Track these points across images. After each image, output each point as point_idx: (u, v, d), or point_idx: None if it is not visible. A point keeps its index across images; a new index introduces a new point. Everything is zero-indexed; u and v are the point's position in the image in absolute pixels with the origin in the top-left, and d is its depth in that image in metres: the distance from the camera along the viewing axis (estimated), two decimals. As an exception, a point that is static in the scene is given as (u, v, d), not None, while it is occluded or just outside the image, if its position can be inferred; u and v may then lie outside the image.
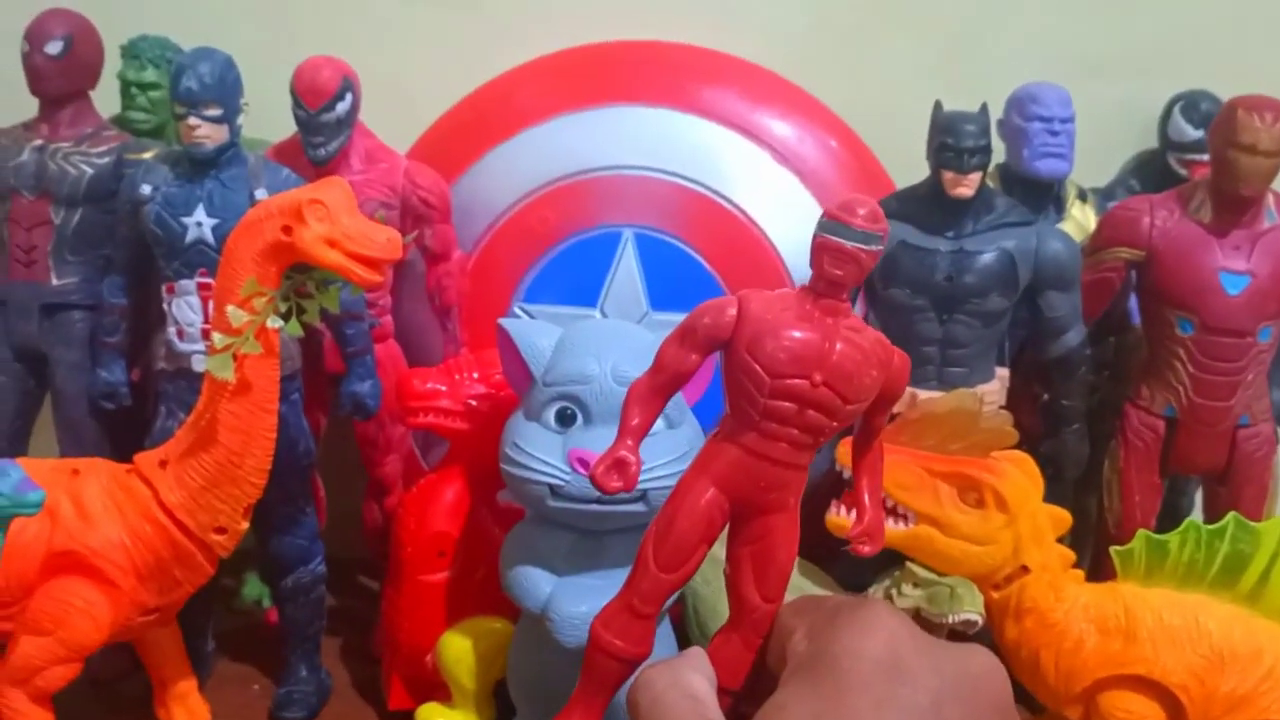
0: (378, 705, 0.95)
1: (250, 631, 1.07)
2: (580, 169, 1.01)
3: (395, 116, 1.03)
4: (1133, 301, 0.92)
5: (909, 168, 0.92)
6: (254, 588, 1.11)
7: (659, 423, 0.79)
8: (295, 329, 0.77)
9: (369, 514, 1.06)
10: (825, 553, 0.88)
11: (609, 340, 0.81)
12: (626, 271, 1.00)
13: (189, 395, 0.87)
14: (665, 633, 0.86)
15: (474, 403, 0.88)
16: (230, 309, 0.74)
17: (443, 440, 0.94)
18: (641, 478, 0.77)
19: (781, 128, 1.04)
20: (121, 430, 0.96)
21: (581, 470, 0.77)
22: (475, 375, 0.89)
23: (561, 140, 1.02)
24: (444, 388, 0.88)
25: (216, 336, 0.74)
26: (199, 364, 0.86)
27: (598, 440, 0.77)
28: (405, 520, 0.90)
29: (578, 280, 1.01)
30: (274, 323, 0.76)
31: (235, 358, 0.75)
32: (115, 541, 0.79)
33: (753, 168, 1.02)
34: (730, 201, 1.00)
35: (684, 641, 0.88)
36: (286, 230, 0.73)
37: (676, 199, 1.00)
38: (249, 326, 0.75)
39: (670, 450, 0.79)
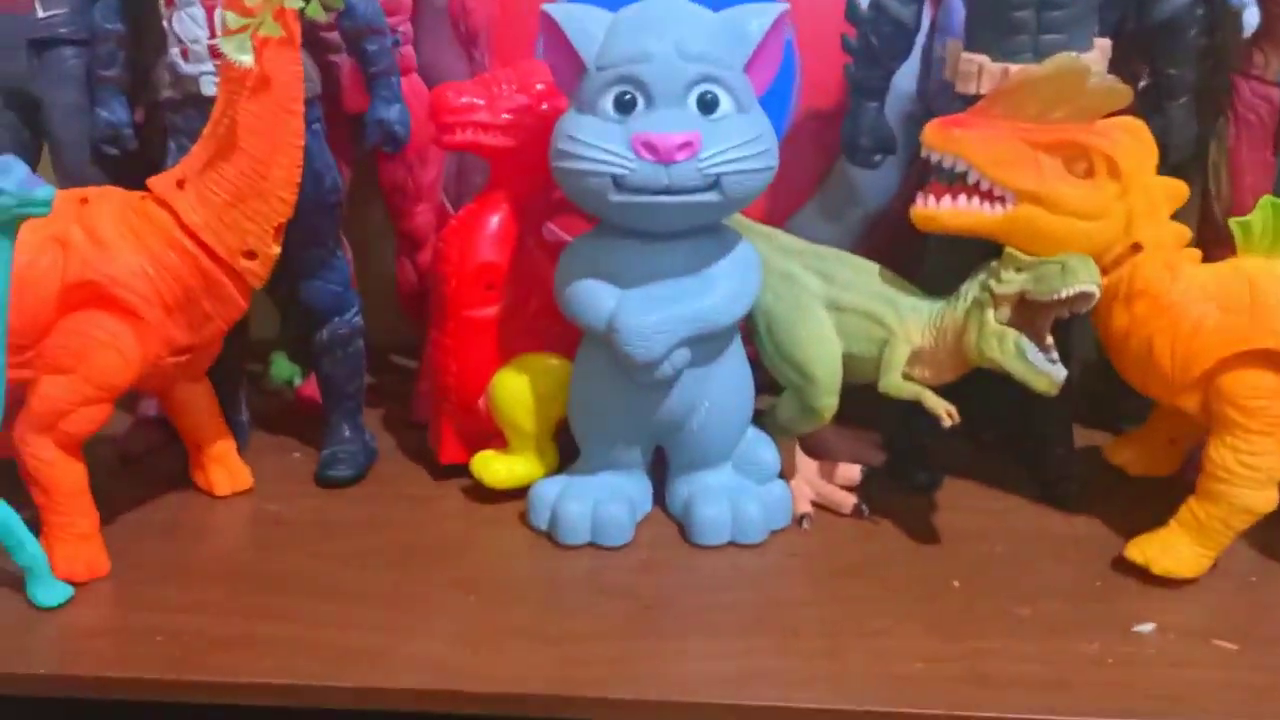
0: (427, 464, 0.89)
1: (283, 408, 1.01)
2: None
3: None
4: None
5: None
6: (283, 368, 1.05)
7: (727, 104, 0.72)
8: (316, 10, 0.68)
9: (402, 272, 0.98)
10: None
11: (670, 16, 0.72)
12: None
13: (200, 124, 0.79)
14: (737, 346, 0.80)
15: (514, 116, 0.80)
16: (244, -15, 0.66)
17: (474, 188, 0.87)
18: (714, 162, 0.71)
19: None
20: (126, 178, 0.87)
21: (648, 155, 0.69)
22: (514, 86, 0.80)
23: None
24: (481, 101, 0.80)
25: (230, 17, 0.66)
26: (209, 86, 0.78)
27: (663, 122, 0.70)
28: (448, 253, 0.83)
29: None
30: (293, 2, 0.67)
31: (254, 42, 0.66)
32: (136, 269, 0.71)
33: None
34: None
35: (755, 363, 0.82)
36: (302, -109, 0.64)
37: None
38: (265, 6, 0.66)
39: (741, 133, 0.71)
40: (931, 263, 0.81)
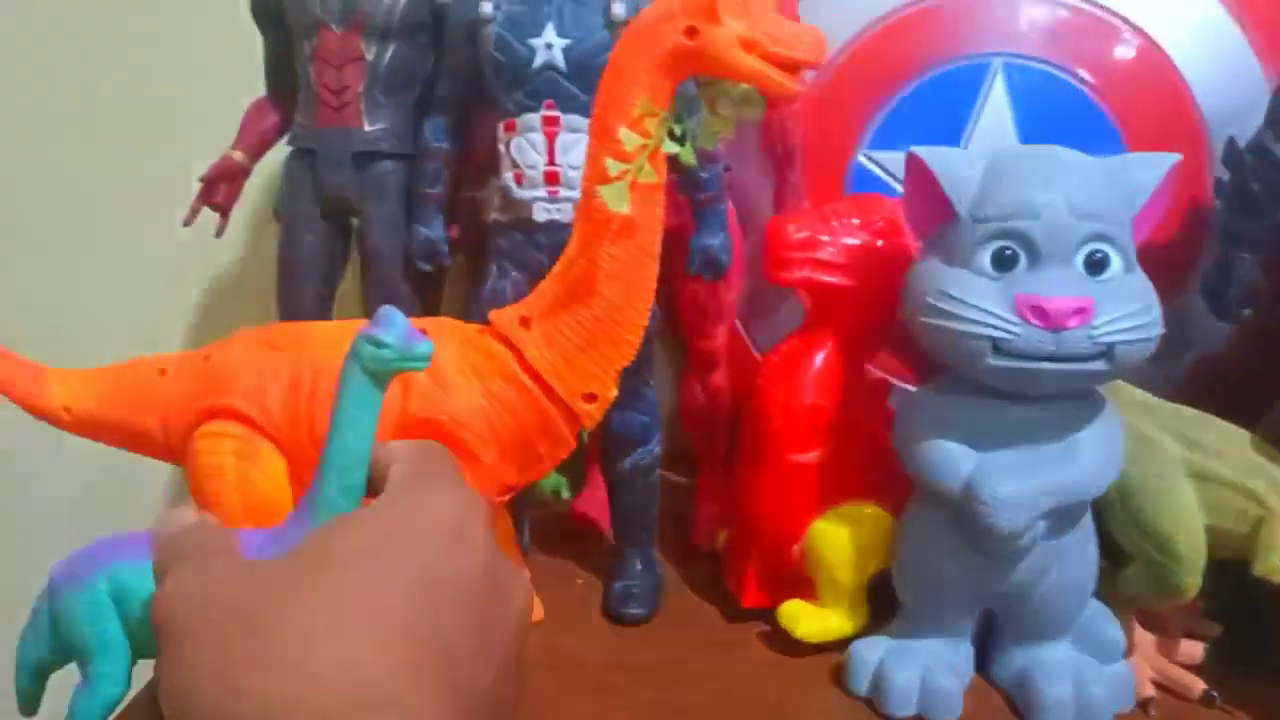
0: (721, 603, 0.85)
1: (557, 524, 0.98)
2: (935, -11, 0.87)
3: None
4: None
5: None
6: (550, 477, 1.02)
7: (1117, 264, 0.66)
8: (689, 156, 0.65)
9: (688, 393, 0.95)
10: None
11: (1057, 167, 0.67)
12: (995, 110, 0.86)
13: (527, 250, 0.77)
14: (1088, 515, 0.73)
15: (853, 254, 0.76)
16: (623, 131, 0.63)
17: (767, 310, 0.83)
18: (1108, 330, 0.66)
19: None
20: (431, 294, 0.86)
21: (1035, 320, 0.64)
22: (856, 222, 0.76)
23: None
24: (826, 237, 0.76)
25: (610, 163, 0.63)
26: (542, 213, 0.76)
27: (1049, 284, 0.65)
28: (771, 391, 0.79)
29: (935, 122, 0.87)
30: (669, 148, 0.64)
31: (630, 187, 0.63)
32: (476, 408, 0.69)
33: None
34: (1130, 24, 0.84)
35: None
36: (691, 32, 0.61)
37: (1058, 20, 0.85)
38: (642, 152, 0.63)
39: (1134, 298, 0.65)
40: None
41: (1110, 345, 0.64)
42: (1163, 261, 0.78)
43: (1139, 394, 0.76)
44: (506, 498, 0.73)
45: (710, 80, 0.64)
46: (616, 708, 0.73)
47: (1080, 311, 0.64)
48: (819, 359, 0.79)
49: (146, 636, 0.59)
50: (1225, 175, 0.76)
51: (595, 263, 0.67)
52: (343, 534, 0.44)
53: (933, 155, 0.68)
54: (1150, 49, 0.83)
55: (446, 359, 0.70)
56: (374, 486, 0.52)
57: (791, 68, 0.61)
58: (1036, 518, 0.68)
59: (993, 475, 0.68)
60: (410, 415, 0.69)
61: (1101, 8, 0.84)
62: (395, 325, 0.58)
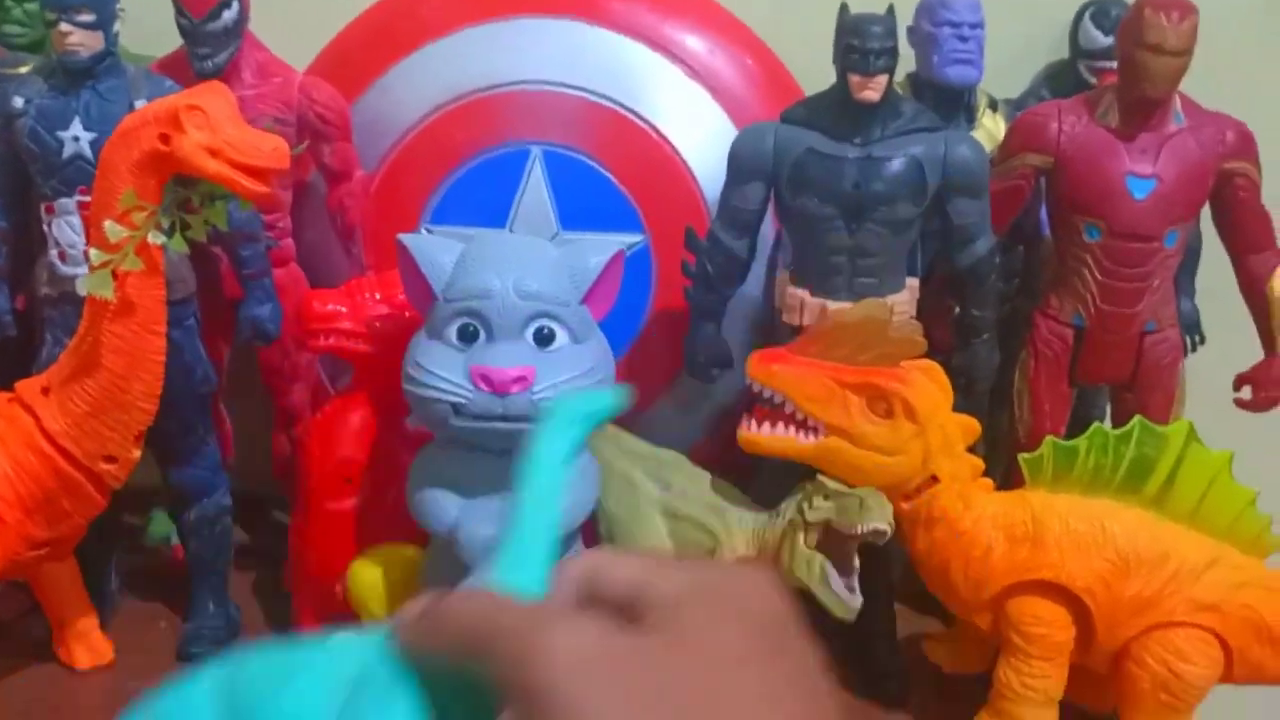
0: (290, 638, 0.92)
1: (158, 570, 1.04)
2: (486, 84, 0.98)
3: (291, 31, 0.99)
4: (1044, 213, 0.92)
5: (825, 84, 0.90)
6: (161, 525, 1.07)
7: (563, 337, 0.78)
8: (180, 245, 0.73)
9: (277, 445, 1.03)
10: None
11: (511, 254, 0.78)
12: (535, 190, 0.97)
13: (75, 321, 0.83)
14: (577, 548, 0.85)
15: (377, 324, 0.86)
16: (107, 224, 0.71)
17: (351, 368, 0.92)
18: (546, 394, 0.77)
19: (694, 41, 1.01)
20: (3, 361, 0.91)
21: (485, 387, 0.75)
22: (377, 296, 0.86)
23: (466, 54, 0.99)
24: (345, 309, 0.85)
25: (94, 253, 0.71)
26: (84, 287, 0.83)
27: (500, 356, 0.75)
28: (310, 447, 0.88)
29: (486, 200, 0.98)
30: (156, 239, 0.72)
31: (115, 275, 0.71)
32: (0, 473, 0.76)
33: (664, 82, 0.99)
34: (640, 117, 0.97)
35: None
36: (164, 139, 0.70)
37: (585, 115, 0.97)
38: (128, 242, 0.71)
39: (575, 365, 0.77)
40: (767, 469, 0.87)
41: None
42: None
43: (631, 441, 0.88)
44: (42, 550, 0.79)
45: (193, 180, 0.72)
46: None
47: (520, 379, 0.74)
48: (356, 417, 0.88)
49: None
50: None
51: (99, 340, 0.74)
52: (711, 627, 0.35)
53: (415, 242, 0.78)
54: (655, 136, 0.97)
55: (-28, 427, 0.76)
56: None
57: (255, 172, 0.70)
58: (511, 555, 0.79)
59: (473, 520, 0.78)
60: (-65, 481, 0.75)
61: (617, 103, 0.97)
62: None
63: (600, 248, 0.80)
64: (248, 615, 0.96)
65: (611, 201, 0.97)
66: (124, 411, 0.76)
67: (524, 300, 0.76)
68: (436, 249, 0.79)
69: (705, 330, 0.87)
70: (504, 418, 0.75)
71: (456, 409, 0.76)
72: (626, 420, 0.92)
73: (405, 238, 0.79)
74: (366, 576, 0.86)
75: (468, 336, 0.77)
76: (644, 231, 0.97)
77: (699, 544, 0.83)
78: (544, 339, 0.77)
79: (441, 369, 0.76)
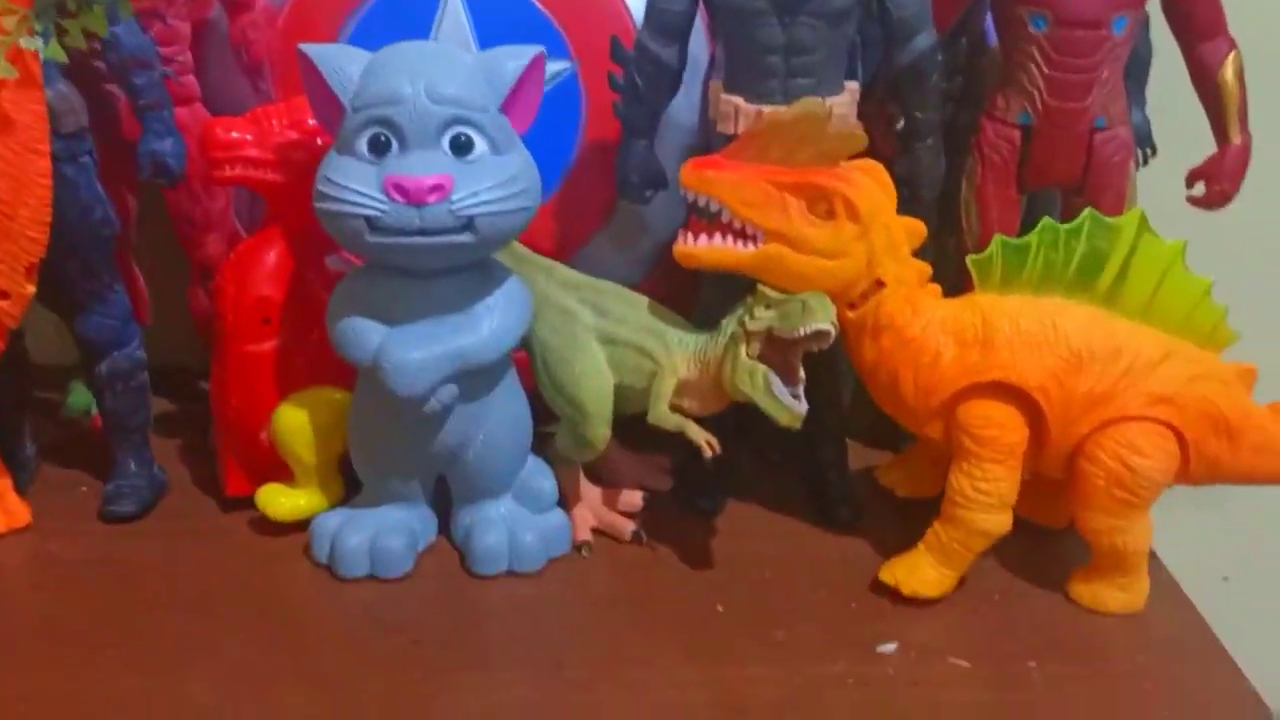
0: (218, 497, 0.89)
1: (78, 440, 0.99)
2: (396, -97, 0.91)
3: None
4: (990, 22, 0.88)
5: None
6: (81, 396, 1.02)
7: (481, 146, 0.73)
8: (56, 52, 0.68)
9: (195, 301, 0.98)
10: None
11: (422, 59, 0.73)
12: (454, 18, 0.92)
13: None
14: (511, 380, 0.81)
15: (287, 152, 0.80)
16: (-26, 27, 0.65)
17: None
18: (466, 204, 0.72)
19: None
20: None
21: (399, 198, 0.70)
22: (286, 122, 0.81)
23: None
24: (251, 136, 0.80)
25: (-39, 61, 0.65)
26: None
27: (414, 165, 0.71)
28: (224, 288, 0.83)
29: (402, 31, 0.90)
30: (30, 44, 0.66)
31: (-10, 84, 0.65)
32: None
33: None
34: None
35: (533, 394, 0.83)
36: (29, -69, 0.64)
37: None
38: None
39: (495, 174, 0.72)
40: (705, 295, 0.84)
41: (471, 218, 0.71)
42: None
43: (565, 271, 0.84)
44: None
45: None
46: (89, 599, 0.77)
47: (437, 188, 0.70)
48: (271, 255, 0.83)
49: None
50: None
51: (-21, 162, 0.69)
52: None
53: (318, 51, 0.73)
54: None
55: None
56: None
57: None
58: (440, 382, 0.75)
59: (395, 346, 0.74)
60: None
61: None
62: None
63: (518, 53, 0.75)
64: (176, 477, 0.92)
65: (536, 27, 0.91)
66: (11, 240, 0.71)
67: (437, 105, 0.71)
68: (342, 58, 0.74)
69: (636, 147, 0.83)
70: (422, 231, 0.71)
71: (371, 223, 0.71)
72: (563, 258, 0.88)
73: (307, 47, 0.73)
74: (293, 419, 0.82)
75: (380, 148, 0.72)
76: (571, 58, 0.92)
77: (639, 368, 0.79)
78: (461, 147, 0.72)
79: (353, 181, 0.71)
